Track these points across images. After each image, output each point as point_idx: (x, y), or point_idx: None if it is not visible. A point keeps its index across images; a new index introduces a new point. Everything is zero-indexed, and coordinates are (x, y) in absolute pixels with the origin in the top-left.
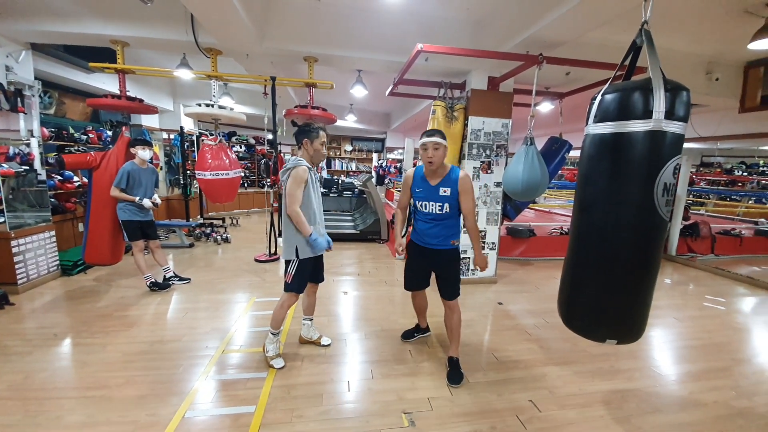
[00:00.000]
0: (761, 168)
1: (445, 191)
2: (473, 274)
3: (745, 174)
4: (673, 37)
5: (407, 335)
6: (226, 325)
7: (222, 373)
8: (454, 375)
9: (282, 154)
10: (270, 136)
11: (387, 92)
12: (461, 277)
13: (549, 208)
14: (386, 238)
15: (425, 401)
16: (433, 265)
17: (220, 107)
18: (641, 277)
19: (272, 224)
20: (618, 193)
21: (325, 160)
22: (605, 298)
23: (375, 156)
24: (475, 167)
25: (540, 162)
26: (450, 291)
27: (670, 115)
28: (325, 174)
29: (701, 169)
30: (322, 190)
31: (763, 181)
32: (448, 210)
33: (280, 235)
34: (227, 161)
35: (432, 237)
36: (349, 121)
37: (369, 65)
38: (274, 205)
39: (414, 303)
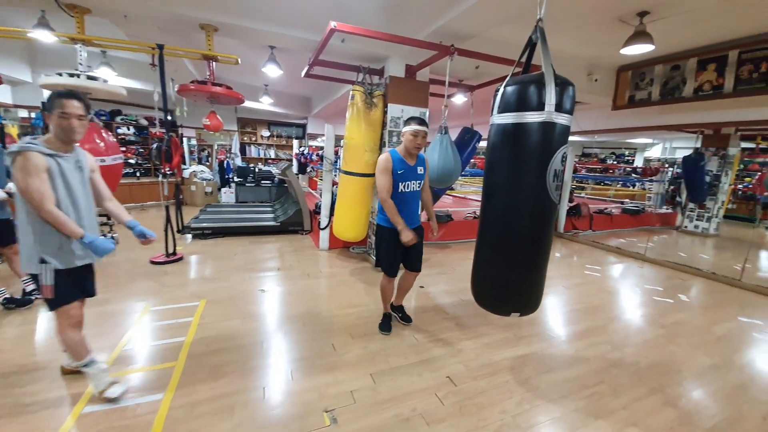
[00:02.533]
0: (627, 158)
1: (421, 170)
2: None
3: (614, 162)
4: (561, 40)
5: (388, 328)
6: (111, 343)
7: (105, 402)
8: (406, 317)
9: (176, 138)
10: (167, 117)
11: (303, 73)
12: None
13: (464, 195)
14: (309, 229)
15: (348, 395)
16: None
17: (90, 78)
18: (536, 254)
19: (168, 219)
20: (517, 178)
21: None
22: (507, 276)
23: (296, 143)
24: None
25: (453, 150)
26: (420, 263)
27: (559, 107)
28: (239, 162)
29: (582, 158)
30: (236, 179)
31: (628, 168)
32: (420, 188)
33: (179, 231)
34: (102, 145)
35: (414, 216)
36: (264, 104)
37: (281, 41)
38: (178, 199)
39: (390, 288)
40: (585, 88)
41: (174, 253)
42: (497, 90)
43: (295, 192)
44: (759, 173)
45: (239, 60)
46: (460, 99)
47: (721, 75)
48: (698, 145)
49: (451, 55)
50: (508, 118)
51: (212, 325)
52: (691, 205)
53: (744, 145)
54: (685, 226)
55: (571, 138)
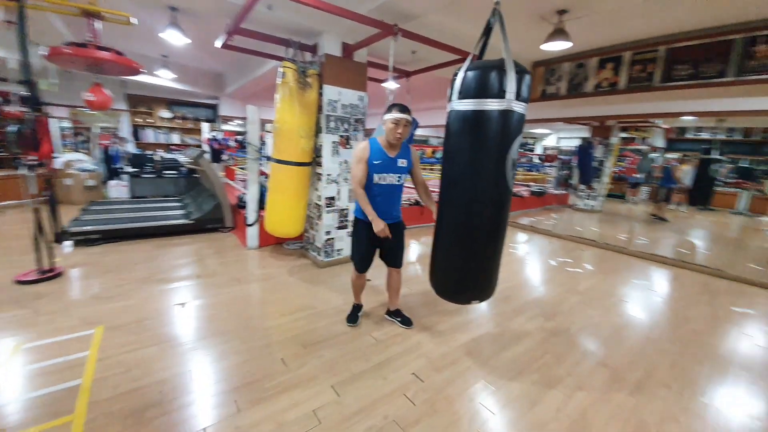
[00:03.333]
0: (530, 146)
1: (402, 162)
2: (338, 254)
3: (521, 150)
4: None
5: (354, 319)
6: None
7: None
8: (406, 319)
9: (43, 118)
10: (28, 91)
11: (219, 43)
12: (328, 259)
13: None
14: (232, 226)
15: (311, 416)
16: (387, 240)
17: None
18: (495, 241)
19: (39, 224)
20: (478, 167)
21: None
22: (469, 264)
23: (206, 126)
24: (333, 142)
25: None
26: (401, 259)
27: (518, 95)
28: (132, 148)
29: None
30: (130, 169)
31: (531, 155)
32: (401, 181)
33: (56, 240)
34: None
35: (391, 210)
36: (163, 79)
37: (186, 1)
38: (52, 197)
39: (359, 283)
40: None
41: (50, 269)
42: (455, 74)
43: (212, 183)
44: (630, 159)
45: (131, 19)
46: (392, 85)
47: (617, 73)
48: (589, 135)
49: (395, 35)
50: (468, 105)
51: (118, 358)
52: (581, 187)
53: (622, 135)
54: (577, 205)
55: None
